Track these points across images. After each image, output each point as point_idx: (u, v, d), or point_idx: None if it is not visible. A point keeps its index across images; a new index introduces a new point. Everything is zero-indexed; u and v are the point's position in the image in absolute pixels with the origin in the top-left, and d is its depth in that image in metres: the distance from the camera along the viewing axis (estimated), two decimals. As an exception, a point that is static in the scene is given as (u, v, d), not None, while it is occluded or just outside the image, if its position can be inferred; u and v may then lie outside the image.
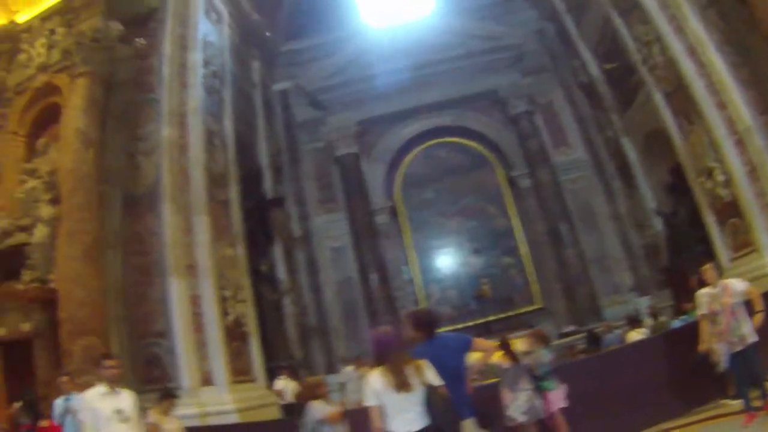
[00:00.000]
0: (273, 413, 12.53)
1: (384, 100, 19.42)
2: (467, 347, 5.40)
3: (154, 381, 11.85)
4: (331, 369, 17.41)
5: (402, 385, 4.38)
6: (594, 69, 17.95)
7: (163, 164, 12.58)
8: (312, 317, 17.77)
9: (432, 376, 4.52)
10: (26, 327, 13.06)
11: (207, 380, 11.71)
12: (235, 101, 15.28)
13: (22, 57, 15.75)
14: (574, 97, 19.26)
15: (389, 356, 4.55)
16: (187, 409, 10.95)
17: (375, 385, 4.50)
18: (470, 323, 17.35)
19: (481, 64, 19.49)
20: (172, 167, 12.54)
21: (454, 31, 19.80)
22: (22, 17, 16.15)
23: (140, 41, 13.88)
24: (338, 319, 18.12)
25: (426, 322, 5.38)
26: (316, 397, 7.95)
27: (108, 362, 6.29)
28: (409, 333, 5.24)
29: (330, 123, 19.69)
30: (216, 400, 11.35)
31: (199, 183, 12.67)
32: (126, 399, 6.35)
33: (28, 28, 15.86)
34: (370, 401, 4.52)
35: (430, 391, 4.42)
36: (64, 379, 8.97)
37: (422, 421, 4.38)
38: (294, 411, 13.67)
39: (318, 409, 7.67)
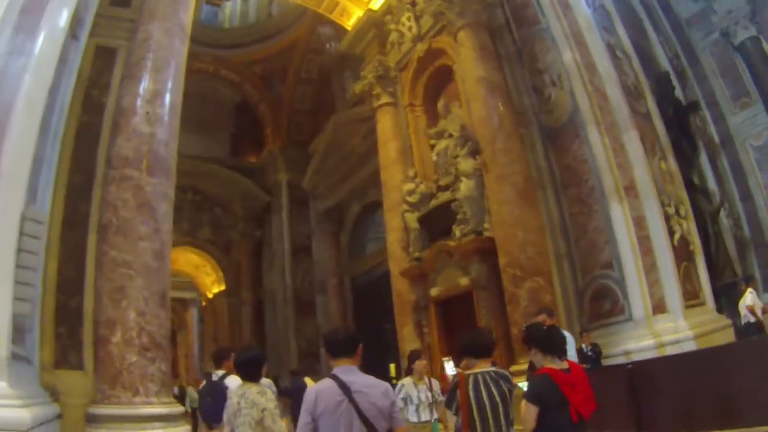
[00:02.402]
0: (727, 337, 11.22)
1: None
2: None
3: (603, 315, 11.34)
4: (773, 285, 15.52)
5: None
6: None
7: (576, 89, 11.92)
8: (745, 228, 16.03)
9: None
10: (464, 281, 13.31)
11: (660, 307, 10.75)
12: (619, 10, 14.09)
13: (393, 37, 16.51)
14: None
15: None
16: (641, 341, 10.36)
17: None
18: None
19: None
20: (587, 89, 11.80)
21: None
22: (377, 4, 16.81)
23: None
24: (775, 228, 16.10)
25: None
26: None
27: None
28: None
29: (719, 9, 17.48)
30: (671, 328, 10.37)
31: (618, 98, 11.72)
32: None
33: (387, 9, 16.57)
34: None
35: None
36: (542, 317, 8.53)
37: None
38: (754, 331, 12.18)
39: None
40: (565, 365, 4.25)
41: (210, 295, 28.20)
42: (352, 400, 3.44)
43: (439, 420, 6.77)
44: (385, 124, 16.31)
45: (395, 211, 15.33)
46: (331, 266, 22.69)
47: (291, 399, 10.35)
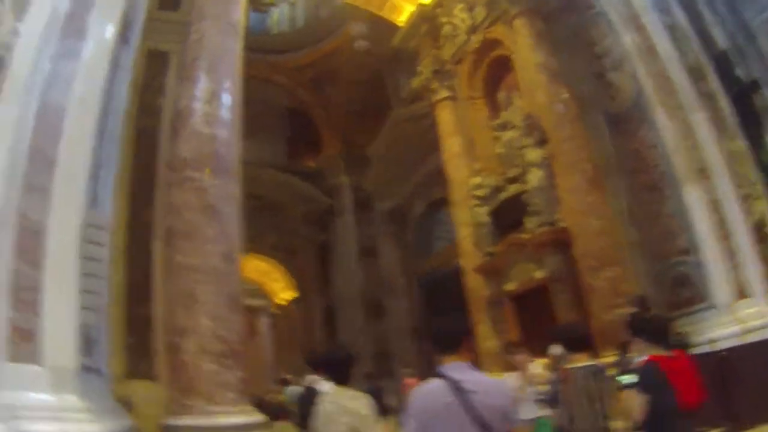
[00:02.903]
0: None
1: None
2: None
3: (683, 304, 10.94)
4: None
5: None
6: None
7: (639, 72, 11.63)
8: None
9: None
10: (539, 275, 13.13)
11: (742, 293, 10.34)
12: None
13: (446, 29, 16.45)
14: None
15: None
16: (726, 328, 9.93)
17: None
18: None
19: None
20: (650, 71, 11.53)
21: None
22: (428, -3, 16.73)
23: None
24: None
25: None
26: None
27: None
28: None
29: (771, -15, 16.91)
30: (756, 314, 9.93)
31: (683, 80, 11.45)
32: None
33: (439, 2, 16.50)
34: None
35: None
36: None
37: None
38: None
39: None
40: (671, 353, 4.11)
41: (280, 302, 28.42)
42: (463, 401, 3.02)
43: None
44: (445, 118, 16.24)
45: (463, 206, 15.31)
46: (398, 266, 22.73)
47: None
